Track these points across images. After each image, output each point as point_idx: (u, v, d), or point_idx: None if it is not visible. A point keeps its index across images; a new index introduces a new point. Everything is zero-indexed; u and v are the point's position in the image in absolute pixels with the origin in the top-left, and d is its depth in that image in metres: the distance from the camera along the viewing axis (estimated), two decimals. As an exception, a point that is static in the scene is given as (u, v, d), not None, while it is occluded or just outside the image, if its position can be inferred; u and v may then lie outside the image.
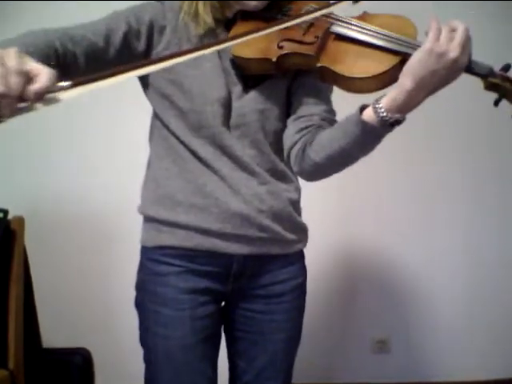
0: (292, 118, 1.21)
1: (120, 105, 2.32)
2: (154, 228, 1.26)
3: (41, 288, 2.14)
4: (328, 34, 1.13)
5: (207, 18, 1.17)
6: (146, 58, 1.17)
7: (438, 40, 0.96)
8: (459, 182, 2.54)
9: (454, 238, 2.55)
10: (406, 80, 0.98)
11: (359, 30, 1.10)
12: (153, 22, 1.18)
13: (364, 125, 1.03)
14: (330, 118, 1.19)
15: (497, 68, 1.03)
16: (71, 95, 0.76)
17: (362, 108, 1.06)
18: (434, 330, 2.55)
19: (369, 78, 1.05)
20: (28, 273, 2.06)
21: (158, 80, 1.20)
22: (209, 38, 1.19)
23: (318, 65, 1.10)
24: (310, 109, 1.19)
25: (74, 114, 2.35)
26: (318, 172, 1.17)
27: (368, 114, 1.03)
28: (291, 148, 1.19)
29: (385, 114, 1.01)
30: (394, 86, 1.03)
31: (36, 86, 0.71)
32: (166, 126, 1.22)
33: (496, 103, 1.03)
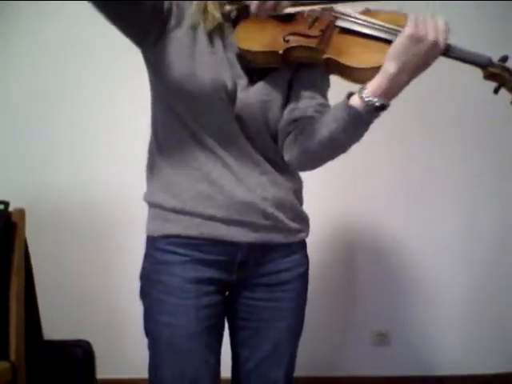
0: (287, 109, 1.24)
1: (120, 101, 2.33)
2: (159, 217, 1.27)
3: (42, 280, 2.15)
4: (333, 27, 1.17)
5: (216, 13, 1.20)
6: (160, 37, 1.18)
7: (416, 26, 1.03)
8: (461, 171, 2.54)
9: (456, 233, 2.55)
10: (390, 65, 1.05)
11: (363, 23, 1.15)
12: (172, 7, 1.19)
13: (351, 109, 1.08)
14: (323, 111, 1.22)
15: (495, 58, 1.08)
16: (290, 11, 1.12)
17: (350, 95, 1.11)
18: (434, 323, 2.56)
19: (373, 68, 1.09)
20: (29, 265, 2.06)
21: (171, 64, 1.19)
22: (216, 33, 1.22)
23: (324, 56, 1.14)
24: (305, 102, 1.23)
25: (76, 107, 2.36)
26: (308, 159, 1.22)
27: (354, 100, 1.09)
28: (284, 138, 1.23)
29: (370, 99, 1.07)
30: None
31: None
32: (172, 110, 1.22)
33: (496, 91, 1.09)
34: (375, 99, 1.06)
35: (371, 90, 1.07)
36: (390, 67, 1.04)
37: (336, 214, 2.44)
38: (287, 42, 1.17)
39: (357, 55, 1.13)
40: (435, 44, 1.04)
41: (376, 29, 1.13)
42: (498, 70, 1.07)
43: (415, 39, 1.03)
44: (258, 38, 1.18)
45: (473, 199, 2.55)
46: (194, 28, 1.21)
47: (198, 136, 1.21)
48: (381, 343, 2.54)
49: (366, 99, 1.07)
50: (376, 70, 1.09)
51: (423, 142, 2.51)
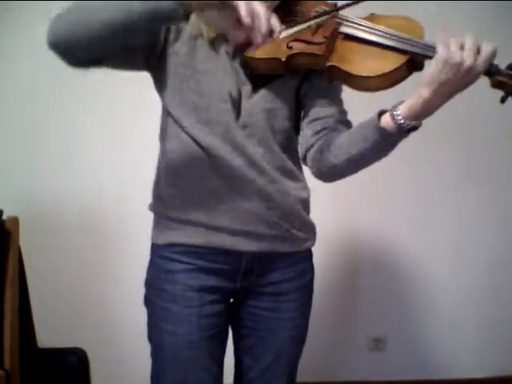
0: (306, 120, 1.25)
1: (120, 105, 2.31)
2: (164, 225, 1.28)
3: (36, 288, 2.13)
4: (336, 34, 1.16)
5: (210, 33, 1.20)
6: (162, 54, 1.21)
7: (452, 50, 0.99)
8: (460, 181, 2.54)
9: (453, 239, 2.56)
10: (424, 90, 1.02)
11: (367, 30, 1.13)
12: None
13: (383, 131, 1.07)
14: (344, 120, 1.24)
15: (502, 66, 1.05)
16: (284, 34, 1.09)
17: (380, 113, 1.09)
18: (430, 328, 2.57)
19: (377, 76, 1.08)
20: (23, 273, 2.04)
21: (172, 76, 1.21)
22: (220, 40, 1.21)
23: (328, 64, 1.13)
24: (323, 111, 1.23)
25: (70, 114, 2.34)
26: (336, 174, 1.22)
27: (386, 121, 1.07)
28: (308, 150, 1.23)
29: (402, 122, 1.05)
30: (411, 92, 1.06)
31: (276, 28, 0.99)
32: (177, 122, 1.23)
33: (503, 100, 1.06)
34: (408, 121, 1.05)
35: (405, 112, 1.05)
36: (424, 92, 1.02)
37: (334, 223, 2.43)
38: (290, 48, 1.15)
39: (361, 63, 1.11)
40: (471, 71, 0.99)
41: (381, 36, 1.11)
42: (505, 78, 1.03)
43: (450, 65, 0.99)
44: None
45: (473, 213, 2.56)
46: (194, 38, 1.21)
47: (204, 145, 1.20)
48: (377, 348, 2.55)
49: (399, 122, 1.05)
50: (380, 78, 1.08)
51: (424, 153, 2.50)
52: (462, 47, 0.99)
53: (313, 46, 1.14)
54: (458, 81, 1.00)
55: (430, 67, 1.02)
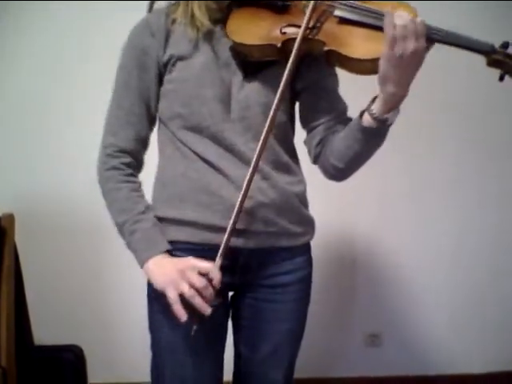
0: (310, 126, 1.30)
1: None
2: (163, 225, 1.28)
3: (32, 285, 2.14)
4: (331, 17, 1.14)
5: (204, 19, 1.20)
6: (160, 81, 1.26)
7: (392, 44, 1.02)
8: (457, 179, 2.54)
9: (449, 236, 2.55)
10: (387, 87, 1.07)
11: (362, 12, 1.12)
12: (154, 64, 1.24)
13: (368, 130, 1.14)
14: (344, 119, 1.26)
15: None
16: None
17: (361, 114, 1.14)
18: (425, 324, 2.56)
19: (374, 59, 1.07)
20: (19, 270, 2.05)
21: (163, 93, 1.26)
22: (207, 37, 1.22)
23: (325, 48, 1.12)
24: (325, 116, 1.27)
25: (70, 114, 2.35)
26: (345, 174, 1.28)
27: (367, 120, 1.13)
28: (317, 158, 1.30)
29: (381, 117, 1.10)
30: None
31: (216, 283, 1.13)
32: (171, 132, 1.26)
33: (501, 78, 1.09)
34: (386, 115, 1.10)
35: (378, 110, 1.10)
36: (388, 89, 1.07)
37: (331, 220, 2.42)
38: (284, 34, 1.14)
39: (357, 46, 1.11)
40: (417, 51, 1.03)
41: (374, 17, 1.10)
42: (501, 56, 1.05)
43: (395, 60, 1.03)
44: (252, 31, 1.16)
45: (468, 210, 2.55)
46: (177, 45, 1.23)
47: (197, 151, 1.23)
48: (373, 344, 2.54)
49: (378, 117, 1.11)
50: (377, 61, 1.07)
51: (425, 155, 2.51)
52: (401, 37, 1.01)
53: (308, 30, 1.12)
54: (411, 64, 1.04)
55: (381, 69, 1.05)
